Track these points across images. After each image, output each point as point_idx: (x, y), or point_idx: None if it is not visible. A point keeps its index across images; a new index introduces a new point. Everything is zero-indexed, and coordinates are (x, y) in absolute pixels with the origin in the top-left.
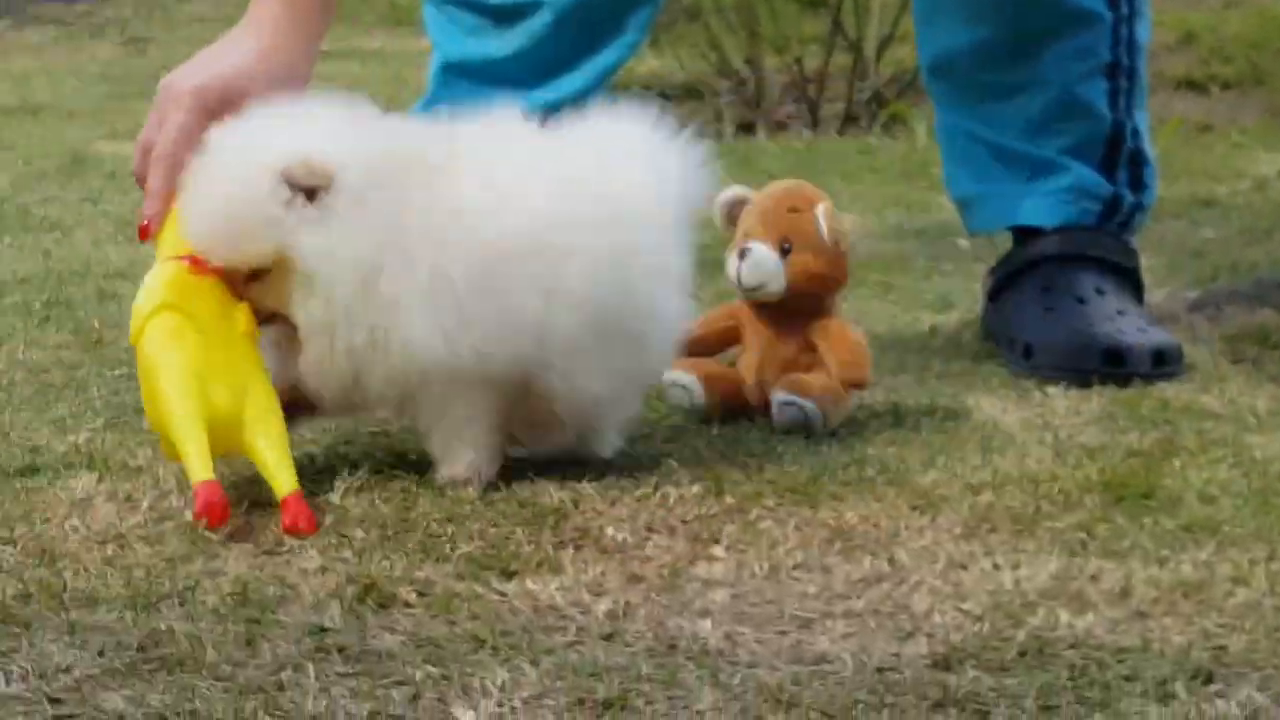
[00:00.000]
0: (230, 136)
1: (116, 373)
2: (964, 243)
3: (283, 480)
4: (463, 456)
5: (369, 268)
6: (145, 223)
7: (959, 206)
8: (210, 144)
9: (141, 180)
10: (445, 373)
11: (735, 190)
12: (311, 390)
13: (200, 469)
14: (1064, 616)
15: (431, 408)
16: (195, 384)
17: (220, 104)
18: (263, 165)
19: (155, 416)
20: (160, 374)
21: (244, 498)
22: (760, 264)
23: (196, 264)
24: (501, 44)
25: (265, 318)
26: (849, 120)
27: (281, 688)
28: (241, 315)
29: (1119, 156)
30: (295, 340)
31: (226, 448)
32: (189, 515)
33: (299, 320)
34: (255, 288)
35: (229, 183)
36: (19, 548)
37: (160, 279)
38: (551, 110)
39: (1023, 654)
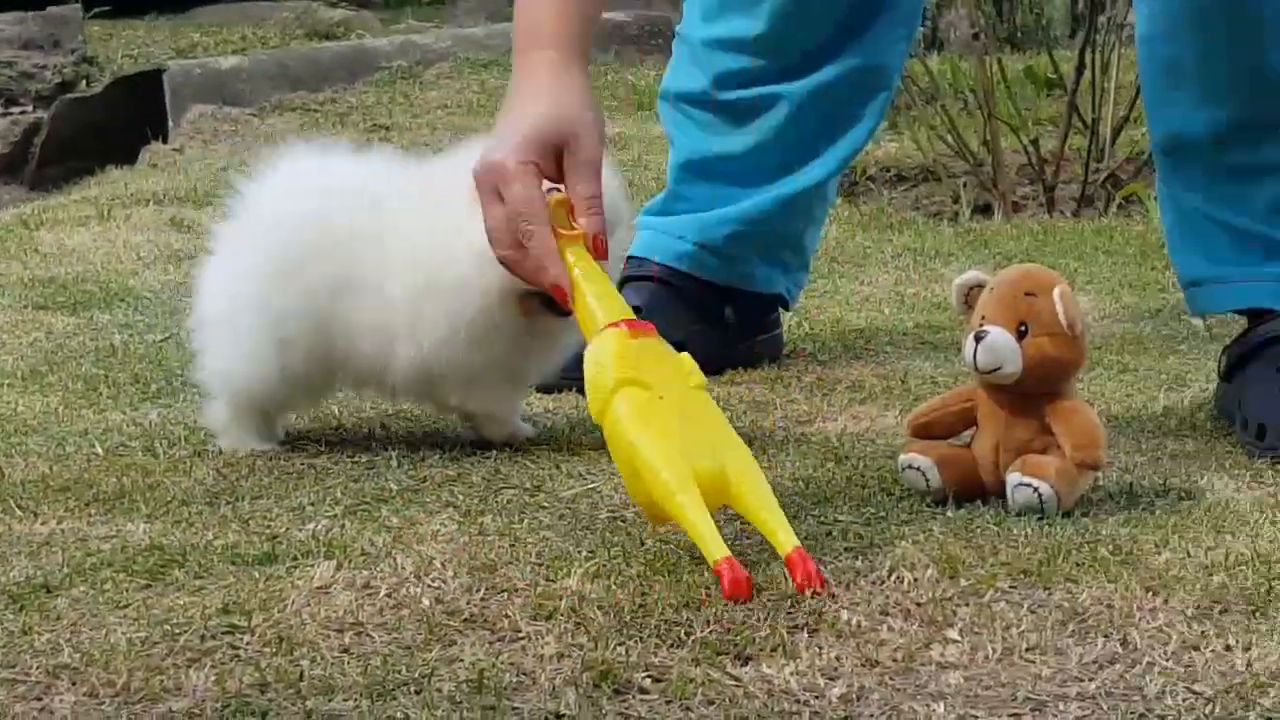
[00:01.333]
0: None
1: (355, 460)
2: (1199, 322)
3: (783, 538)
4: None
5: None
6: (556, 287)
7: (1186, 286)
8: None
9: (510, 263)
10: None
11: (971, 274)
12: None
13: (715, 547)
14: None
15: None
16: (679, 456)
17: (545, 155)
18: None
19: (642, 492)
20: (642, 452)
21: (481, 584)
22: (996, 347)
23: (634, 326)
24: (739, 140)
25: None
26: (1084, 201)
27: None
28: (691, 368)
29: None
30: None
31: (714, 507)
32: (426, 602)
33: None
34: None
35: None
36: (256, 636)
37: (608, 351)
38: (794, 203)
39: None
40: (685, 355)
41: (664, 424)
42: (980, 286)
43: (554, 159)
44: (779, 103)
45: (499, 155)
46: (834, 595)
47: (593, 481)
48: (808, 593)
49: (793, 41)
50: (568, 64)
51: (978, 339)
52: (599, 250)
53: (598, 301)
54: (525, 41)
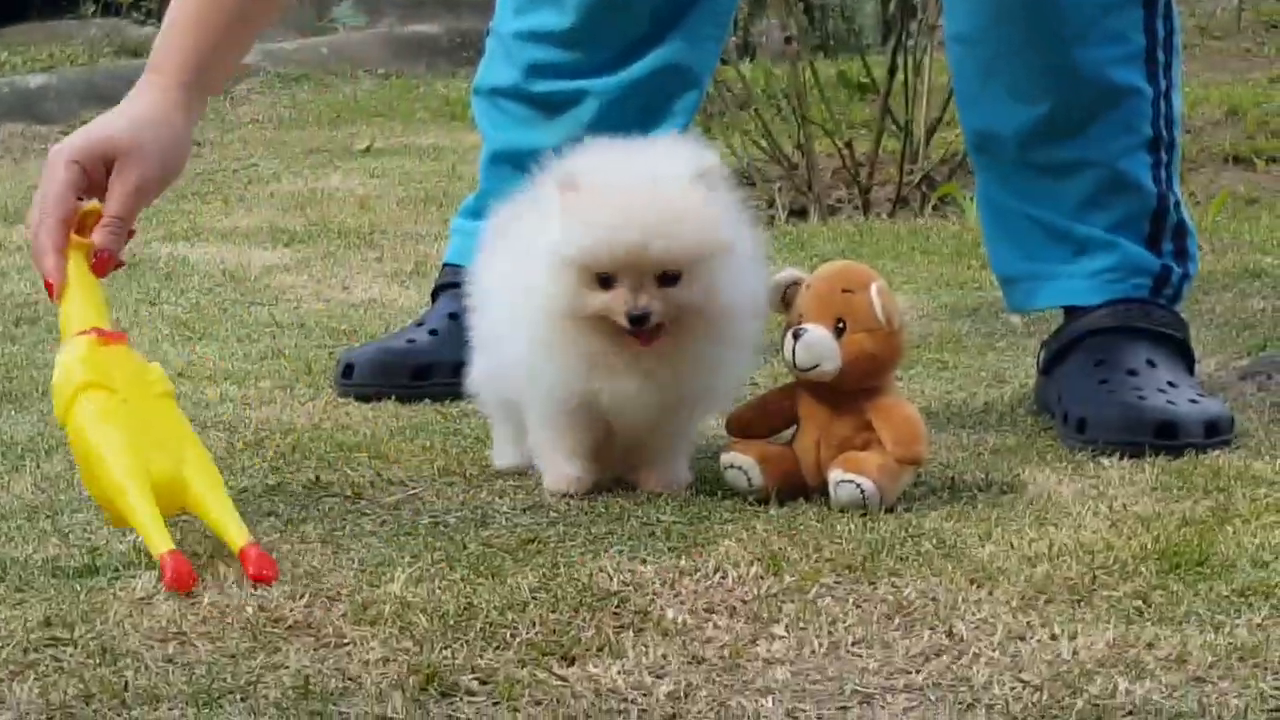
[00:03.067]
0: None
1: None
2: (1016, 319)
3: (234, 534)
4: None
5: None
6: (48, 284)
7: (1003, 283)
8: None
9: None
10: None
11: (789, 272)
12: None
13: (160, 541)
14: (1122, 684)
15: None
16: (134, 456)
17: (93, 163)
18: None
19: (99, 491)
20: (98, 451)
21: (304, 591)
22: (815, 344)
23: (103, 335)
24: (550, 134)
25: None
26: (899, 203)
27: None
28: (158, 377)
29: (1164, 229)
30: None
31: (172, 510)
32: (249, 610)
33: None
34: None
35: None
36: (79, 648)
37: (75, 356)
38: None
39: None
40: (155, 365)
41: (124, 427)
42: (797, 284)
43: (104, 170)
44: (588, 97)
45: (63, 145)
46: (658, 593)
47: (414, 488)
48: (627, 592)
49: (601, 37)
50: (166, 90)
51: (796, 337)
52: (100, 264)
53: (78, 307)
54: (150, 61)
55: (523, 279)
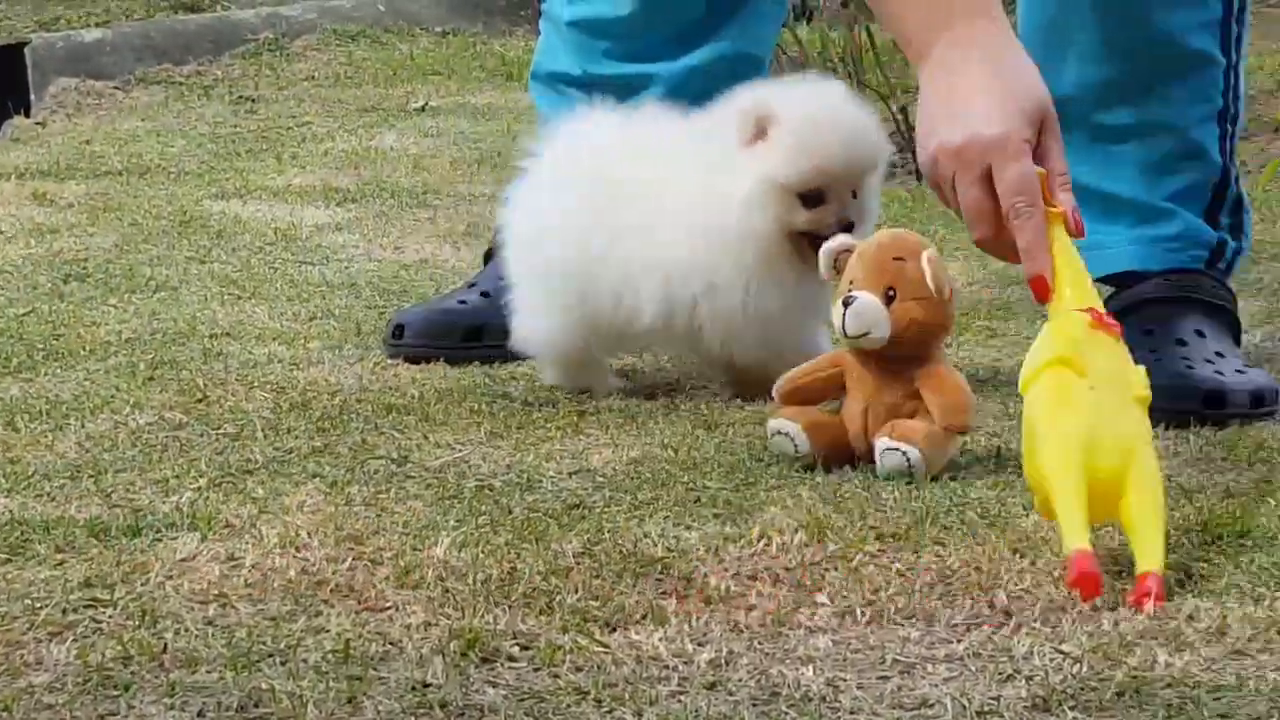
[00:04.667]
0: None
1: (220, 431)
2: None
3: (1149, 557)
4: None
5: None
6: (1038, 278)
7: None
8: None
9: (989, 245)
10: None
11: (840, 239)
12: None
13: (1076, 537)
14: (1161, 656)
15: None
16: (1080, 447)
17: (1034, 131)
18: None
19: (1034, 474)
20: (1045, 433)
21: (348, 554)
22: (865, 312)
23: (1100, 319)
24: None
25: None
26: None
27: None
28: (1140, 381)
29: (1224, 202)
30: None
31: (1108, 513)
32: (292, 573)
33: None
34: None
35: None
36: (119, 609)
37: (1059, 331)
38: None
39: (1120, 694)
40: (1140, 369)
41: (1081, 414)
42: (848, 252)
43: (1037, 133)
44: (653, 83)
45: (995, 130)
46: (702, 560)
47: (460, 451)
48: (671, 559)
49: (659, 23)
50: (1006, 32)
51: (846, 304)
52: (1078, 228)
53: (1071, 285)
54: (949, 13)
55: (718, 205)
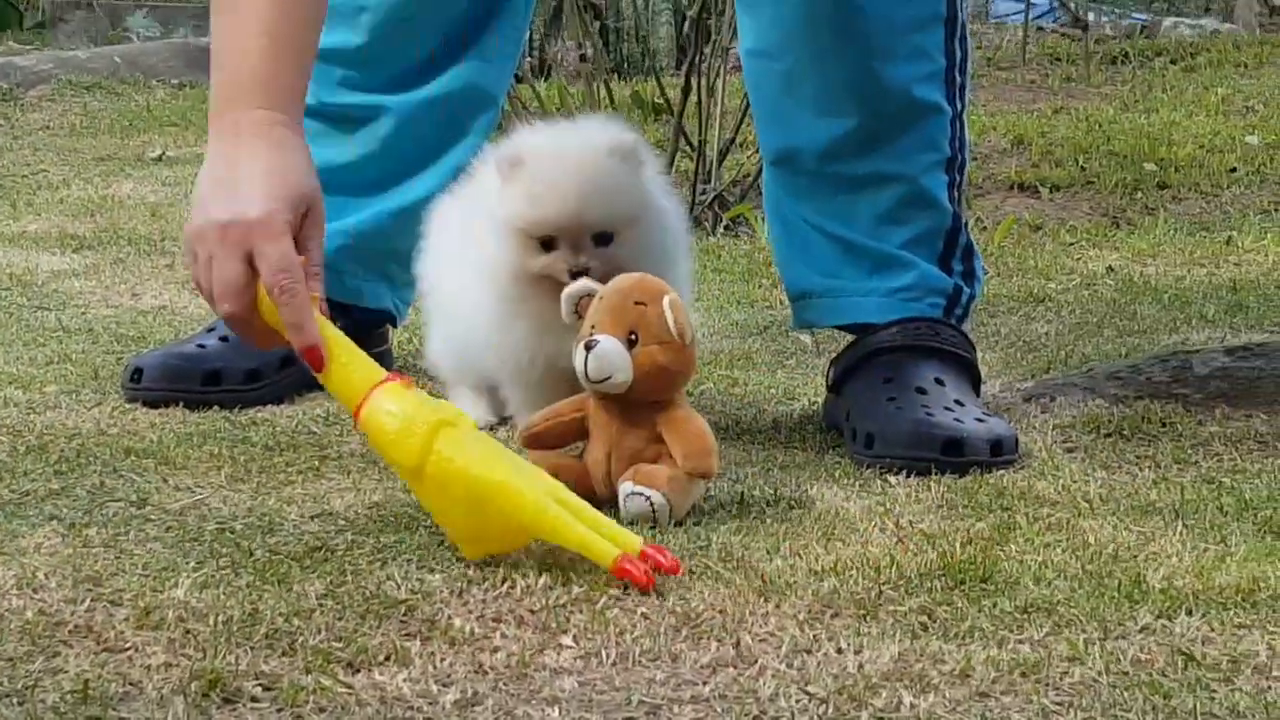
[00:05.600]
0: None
1: None
2: (807, 338)
3: (629, 537)
4: None
5: None
6: (312, 349)
7: (794, 299)
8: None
9: (239, 325)
10: None
11: (581, 283)
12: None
13: (606, 548)
14: (907, 698)
15: None
16: (528, 481)
17: (297, 216)
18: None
19: (483, 525)
20: (496, 480)
21: (86, 595)
22: (607, 356)
23: (401, 379)
24: (347, 149)
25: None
26: (691, 223)
27: None
28: (461, 413)
29: (955, 248)
30: None
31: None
32: (29, 614)
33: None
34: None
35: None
36: None
37: (406, 402)
38: (402, 217)
39: None
40: (445, 403)
41: (495, 455)
42: (590, 296)
43: (300, 220)
44: (384, 114)
45: (255, 211)
46: (445, 602)
47: (200, 494)
48: (414, 600)
49: (393, 55)
50: (286, 124)
51: (588, 348)
52: (326, 314)
53: (351, 362)
54: (232, 96)
55: (474, 251)
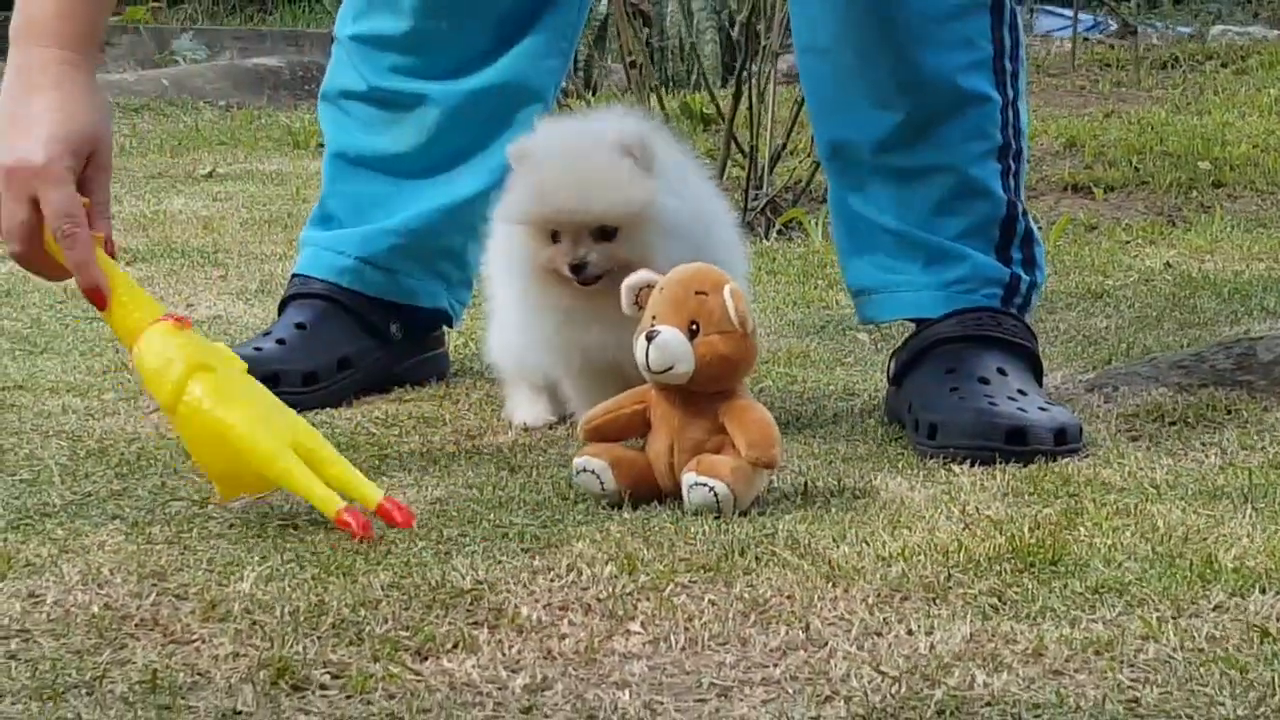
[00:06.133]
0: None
1: (16, 478)
2: (865, 336)
3: (369, 492)
4: None
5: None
6: (94, 289)
7: (855, 295)
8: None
9: (28, 263)
10: None
11: (642, 274)
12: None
13: (331, 501)
14: (980, 676)
15: None
16: (269, 426)
17: (80, 159)
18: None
19: (230, 467)
20: (236, 428)
21: (151, 590)
22: (668, 346)
23: (178, 319)
24: (393, 138)
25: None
26: (745, 228)
27: None
28: (232, 354)
29: (1013, 236)
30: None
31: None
32: (95, 608)
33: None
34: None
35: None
36: None
37: (169, 344)
38: (454, 214)
39: (941, 712)
40: (221, 345)
41: (244, 401)
42: (650, 287)
43: (83, 163)
44: (429, 102)
45: (39, 157)
46: (512, 591)
47: (262, 493)
48: (481, 590)
49: (439, 44)
50: (78, 64)
51: (649, 339)
52: (111, 253)
53: (132, 301)
54: (29, 33)
55: (503, 245)
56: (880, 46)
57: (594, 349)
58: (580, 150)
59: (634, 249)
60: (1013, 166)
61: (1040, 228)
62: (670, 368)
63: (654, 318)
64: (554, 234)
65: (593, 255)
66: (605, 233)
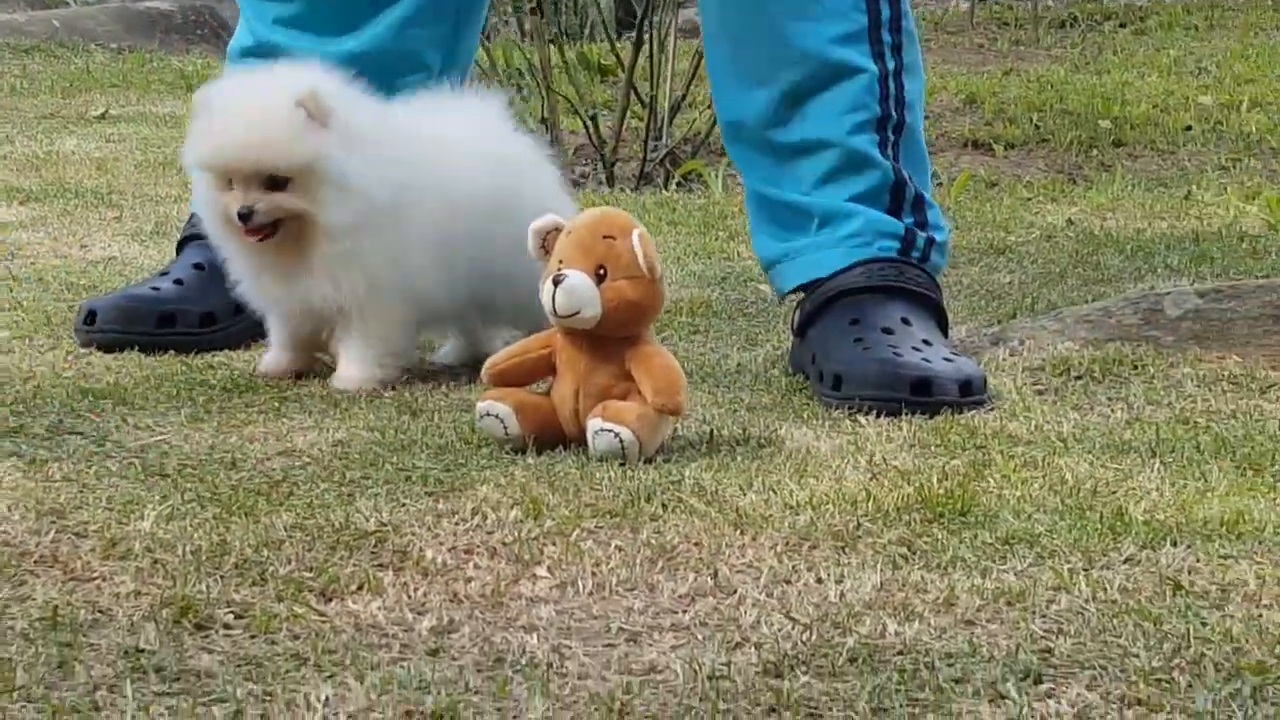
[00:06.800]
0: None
1: None
2: (765, 288)
3: None
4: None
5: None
6: None
7: (766, 269)
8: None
9: None
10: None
11: (549, 218)
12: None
13: None
14: (891, 625)
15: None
16: None
17: None
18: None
19: None
20: None
21: (51, 527)
22: (576, 290)
23: None
24: None
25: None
26: (644, 179)
27: (97, 708)
28: None
29: (903, 201)
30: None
31: None
32: None
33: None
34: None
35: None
36: None
37: None
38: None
39: (853, 660)
40: None
41: None
42: (557, 230)
43: None
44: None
45: None
46: (416, 534)
47: (161, 434)
48: (385, 533)
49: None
50: None
51: (556, 283)
52: None
53: None
54: None
55: (198, 193)
56: (755, 22)
57: (269, 298)
58: (253, 101)
59: (304, 200)
60: (891, 138)
61: (940, 183)
62: (577, 312)
63: (560, 261)
64: (230, 181)
65: (261, 204)
66: (276, 182)
